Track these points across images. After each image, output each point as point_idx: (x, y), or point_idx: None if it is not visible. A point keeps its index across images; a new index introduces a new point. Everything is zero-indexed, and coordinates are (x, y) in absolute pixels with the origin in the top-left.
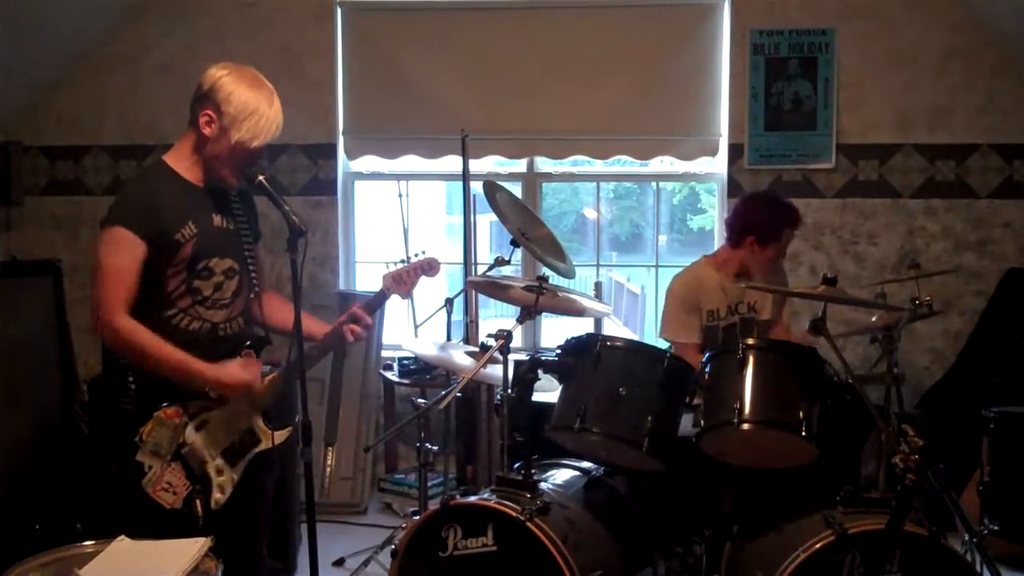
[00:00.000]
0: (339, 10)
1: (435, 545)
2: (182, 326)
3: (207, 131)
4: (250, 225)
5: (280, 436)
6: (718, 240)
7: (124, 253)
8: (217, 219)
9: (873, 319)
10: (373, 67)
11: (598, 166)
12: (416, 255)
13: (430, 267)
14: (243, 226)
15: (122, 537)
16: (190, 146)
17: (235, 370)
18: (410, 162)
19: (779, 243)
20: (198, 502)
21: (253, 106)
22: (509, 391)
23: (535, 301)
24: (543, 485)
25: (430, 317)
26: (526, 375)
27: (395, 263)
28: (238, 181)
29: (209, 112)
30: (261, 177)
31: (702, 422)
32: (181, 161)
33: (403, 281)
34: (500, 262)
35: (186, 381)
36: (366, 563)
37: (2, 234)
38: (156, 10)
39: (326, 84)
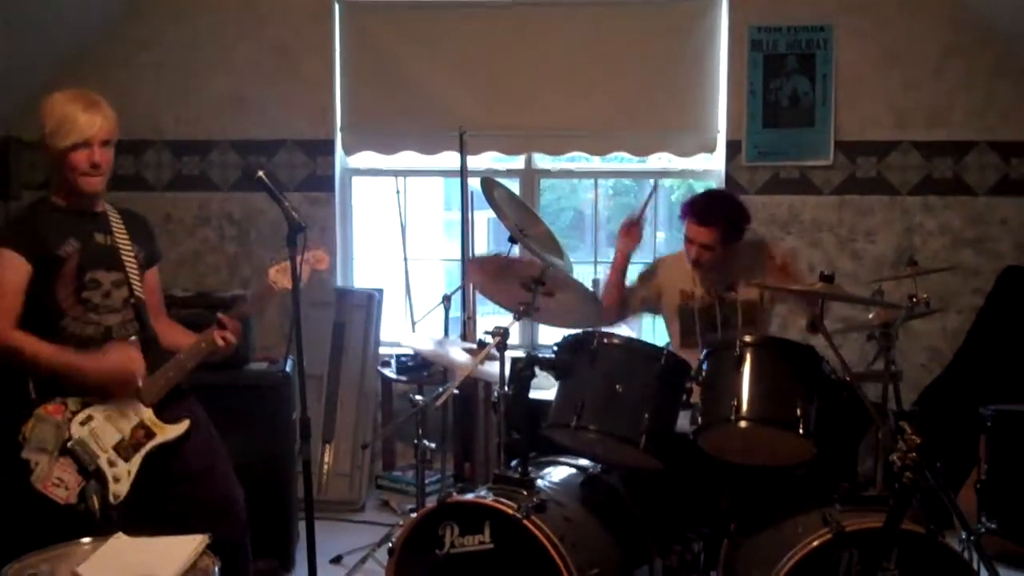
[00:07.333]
0: (337, 7)
1: (432, 543)
2: (76, 332)
3: (46, 153)
4: (139, 244)
5: (175, 430)
6: None
7: (8, 271)
8: (100, 237)
9: (870, 316)
10: (371, 63)
11: (596, 162)
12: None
13: (318, 261)
14: (124, 244)
15: (120, 534)
16: (57, 177)
17: (115, 356)
18: (408, 158)
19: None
20: (95, 497)
21: (64, 113)
22: (506, 388)
23: (533, 299)
24: (540, 483)
25: (428, 314)
26: (523, 372)
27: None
28: (88, 188)
29: (42, 135)
30: (260, 173)
31: (699, 419)
32: (57, 194)
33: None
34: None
35: (75, 380)
36: (363, 560)
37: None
38: (155, 7)
39: (324, 80)
